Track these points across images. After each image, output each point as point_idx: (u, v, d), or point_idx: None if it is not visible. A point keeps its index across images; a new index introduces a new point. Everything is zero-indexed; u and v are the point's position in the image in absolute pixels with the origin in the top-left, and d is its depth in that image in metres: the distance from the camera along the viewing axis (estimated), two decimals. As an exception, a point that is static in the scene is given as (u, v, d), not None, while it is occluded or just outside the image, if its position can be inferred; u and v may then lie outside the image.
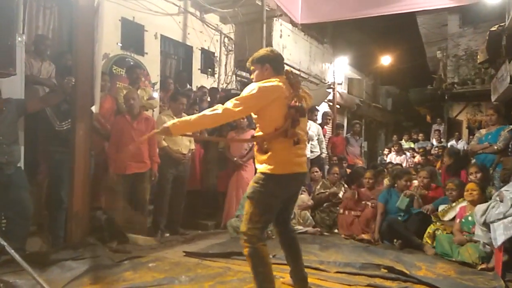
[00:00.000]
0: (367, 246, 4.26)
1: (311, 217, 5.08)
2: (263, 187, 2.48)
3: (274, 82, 2.50)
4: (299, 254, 2.85)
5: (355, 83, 14.56)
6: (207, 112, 2.48)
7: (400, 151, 9.99)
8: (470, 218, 3.86)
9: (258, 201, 2.49)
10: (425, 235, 4.21)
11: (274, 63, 2.60)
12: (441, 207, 4.48)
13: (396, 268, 3.30)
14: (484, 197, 3.95)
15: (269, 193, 2.49)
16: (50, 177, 3.96)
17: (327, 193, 5.33)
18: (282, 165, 2.49)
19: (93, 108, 3.39)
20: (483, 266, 3.46)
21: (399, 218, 4.51)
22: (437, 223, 4.19)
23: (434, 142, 11.33)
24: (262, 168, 2.53)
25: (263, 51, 2.65)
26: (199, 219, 5.38)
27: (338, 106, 11.75)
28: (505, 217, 3.15)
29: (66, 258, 3.26)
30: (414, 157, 10.05)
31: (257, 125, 2.61)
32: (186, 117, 2.55)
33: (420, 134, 11.95)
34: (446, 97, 13.04)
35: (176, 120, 2.55)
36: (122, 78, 5.55)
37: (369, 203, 4.86)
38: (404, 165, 9.60)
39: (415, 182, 5.18)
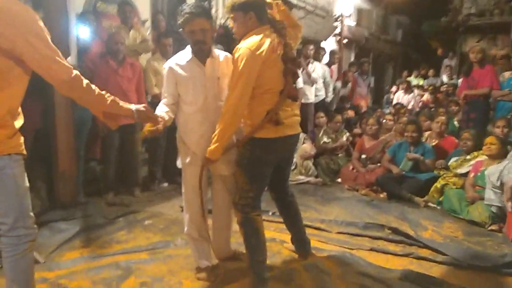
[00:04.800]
0: (371, 200, 4.09)
1: (313, 167, 4.88)
2: (250, 152, 2.23)
3: (259, 36, 2.14)
4: (299, 219, 2.69)
5: (365, 14, 13.58)
6: (220, 122, 2.15)
7: (409, 89, 9.52)
8: (486, 172, 3.63)
9: (246, 169, 2.25)
10: (431, 189, 4.03)
11: (258, 11, 2.19)
12: (453, 159, 4.25)
13: (400, 230, 3.15)
14: (503, 152, 3.70)
15: (257, 160, 2.24)
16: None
17: (334, 146, 5.12)
18: (271, 127, 2.19)
19: (69, 59, 2.98)
20: (494, 227, 3.30)
21: (404, 173, 4.31)
22: (446, 178, 3.97)
23: (445, 78, 10.83)
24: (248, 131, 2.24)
25: None
26: (198, 167, 5.19)
27: (345, 41, 11.06)
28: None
29: (56, 219, 3.13)
30: (422, 95, 9.65)
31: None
32: (213, 140, 2.15)
33: (431, 70, 11.36)
34: (460, 30, 12.25)
35: (210, 147, 2.15)
36: (109, 16, 5.04)
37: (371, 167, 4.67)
38: (411, 104, 9.25)
39: (426, 134, 4.90)
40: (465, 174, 3.97)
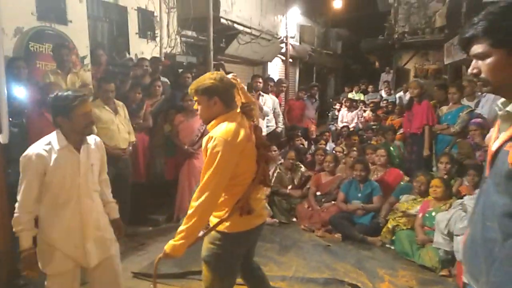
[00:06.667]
0: (327, 245, 4.12)
1: (268, 207, 4.84)
2: (221, 248, 2.09)
3: (233, 124, 2.02)
4: None
5: (307, 30, 13.94)
6: (189, 217, 1.94)
7: (352, 106, 9.91)
8: (434, 213, 3.79)
9: (216, 265, 2.12)
10: (384, 229, 4.16)
11: (224, 96, 2.07)
12: (404, 197, 4.38)
13: (359, 286, 3.20)
14: (448, 193, 3.90)
15: (229, 255, 2.13)
16: None
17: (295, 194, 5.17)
18: (241, 219, 2.07)
19: (1, 138, 2.63)
20: (444, 272, 3.46)
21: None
22: (397, 218, 4.11)
23: (383, 94, 11.38)
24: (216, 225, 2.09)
25: (208, 80, 2.05)
26: (148, 214, 4.94)
27: (290, 60, 11.25)
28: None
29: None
30: (364, 111, 10.06)
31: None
32: (179, 235, 1.96)
33: (370, 86, 11.91)
34: (396, 46, 12.97)
35: (171, 242, 1.97)
36: (43, 56, 4.62)
37: (327, 205, 4.75)
38: (355, 121, 9.62)
39: (373, 167, 5.06)
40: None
